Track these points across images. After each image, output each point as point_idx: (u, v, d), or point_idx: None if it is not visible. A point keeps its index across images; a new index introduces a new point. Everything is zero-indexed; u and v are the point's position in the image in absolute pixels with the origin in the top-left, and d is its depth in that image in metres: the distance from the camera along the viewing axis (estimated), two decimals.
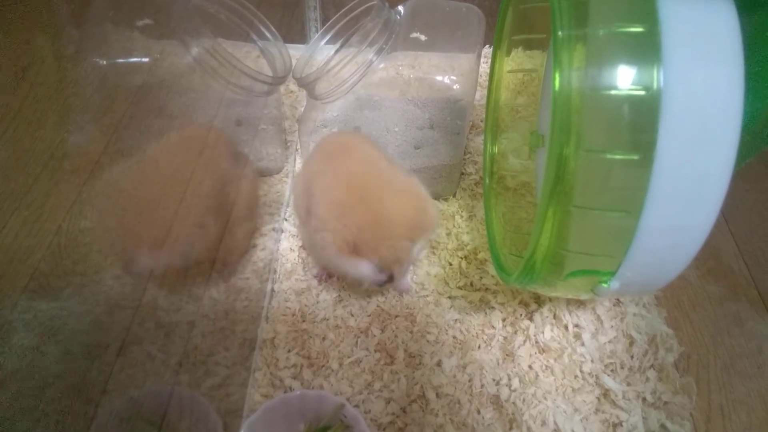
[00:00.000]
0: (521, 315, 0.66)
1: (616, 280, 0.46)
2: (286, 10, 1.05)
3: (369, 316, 0.66)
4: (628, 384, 0.60)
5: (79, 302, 0.38)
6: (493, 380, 0.60)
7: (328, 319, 0.65)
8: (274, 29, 0.74)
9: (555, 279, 0.49)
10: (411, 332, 0.64)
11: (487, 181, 0.75)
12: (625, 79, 0.39)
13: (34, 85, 0.43)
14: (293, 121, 0.92)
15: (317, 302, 0.67)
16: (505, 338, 0.64)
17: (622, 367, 0.61)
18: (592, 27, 0.41)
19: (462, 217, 0.79)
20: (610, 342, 0.63)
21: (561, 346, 0.63)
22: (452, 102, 0.70)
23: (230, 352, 0.57)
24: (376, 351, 0.62)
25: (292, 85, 0.97)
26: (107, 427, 0.36)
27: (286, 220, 0.78)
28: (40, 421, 0.32)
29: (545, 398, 0.58)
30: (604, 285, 0.46)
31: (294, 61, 0.75)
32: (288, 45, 0.76)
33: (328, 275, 0.69)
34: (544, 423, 0.57)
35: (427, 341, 0.63)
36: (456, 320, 0.66)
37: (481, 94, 0.86)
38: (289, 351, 0.62)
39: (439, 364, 0.61)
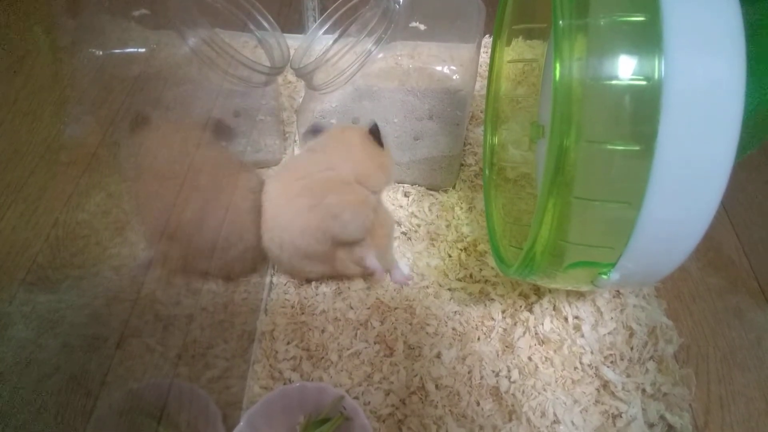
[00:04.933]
0: (521, 307, 0.66)
1: (616, 272, 0.46)
2: None
3: (368, 308, 0.66)
4: (628, 375, 0.60)
5: (77, 295, 0.37)
6: (493, 372, 0.60)
7: (327, 312, 0.65)
8: (271, 19, 0.73)
9: (555, 270, 0.48)
10: (410, 324, 0.64)
11: (486, 172, 0.74)
12: (626, 69, 0.39)
13: (30, 77, 0.43)
14: (291, 111, 0.91)
15: (316, 295, 0.67)
16: (504, 330, 0.64)
17: (621, 359, 0.61)
18: (593, 16, 0.40)
19: (461, 208, 0.79)
20: (609, 333, 0.63)
21: (561, 338, 0.63)
22: (452, 92, 0.70)
23: (229, 344, 0.57)
24: (375, 343, 0.62)
25: (290, 76, 0.96)
26: (107, 419, 0.36)
27: None
28: (40, 414, 0.32)
29: (545, 390, 0.59)
30: (604, 276, 0.46)
31: (292, 52, 0.74)
32: (286, 35, 0.75)
33: None
34: (543, 414, 0.57)
35: (427, 333, 0.63)
36: (455, 312, 0.66)
37: (480, 85, 0.86)
38: (288, 343, 0.62)
39: (438, 355, 0.61)
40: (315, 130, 0.66)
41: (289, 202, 0.59)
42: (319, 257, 0.61)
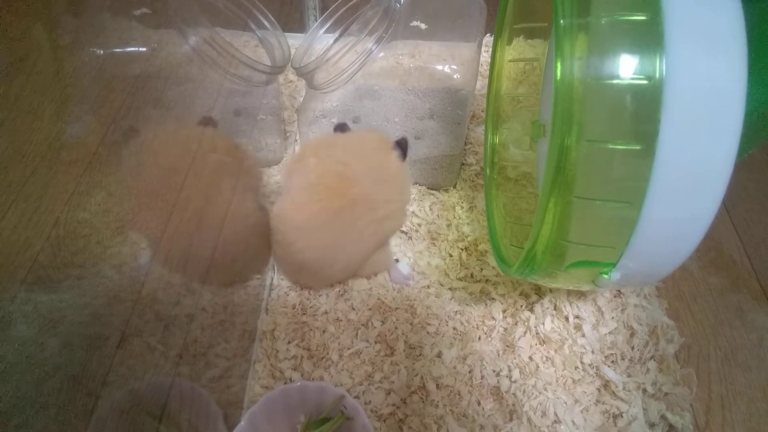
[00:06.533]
0: (522, 306, 0.66)
1: (617, 271, 0.46)
2: None
3: (370, 309, 0.66)
4: (629, 375, 0.60)
5: (78, 294, 0.37)
6: (494, 371, 0.60)
7: (328, 312, 0.65)
8: (272, 18, 0.73)
9: (556, 270, 0.48)
10: (411, 324, 0.64)
11: (487, 171, 0.74)
12: (627, 68, 0.39)
13: (31, 76, 0.43)
14: (292, 111, 0.91)
15: (318, 295, 0.67)
16: (505, 329, 0.64)
17: (622, 358, 0.61)
18: (595, 15, 0.40)
19: (462, 208, 0.79)
20: (610, 333, 0.63)
21: (561, 338, 0.63)
22: (453, 92, 0.70)
23: (230, 343, 0.57)
24: (376, 342, 0.62)
25: (291, 75, 0.96)
26: (108, 418, 0.36)
27: None
28: (41, 413, 0.32)
29: (546, 389, 0.58)
30: (605, 276, 0.46)
31: (293, 51, 0.74)
32: (287, 34, 0.75)
33: None
34: (544, 414, 0.57)
35: (428, 333, 0.63)
36: (456, 311, 0.66)
37: (481, 84, 0.86)
38: (289, 343, 0.62)
39: (439, 355, 0.61)
40: (340, 128, 0.68)
41: (356, 236, 0.63)
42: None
